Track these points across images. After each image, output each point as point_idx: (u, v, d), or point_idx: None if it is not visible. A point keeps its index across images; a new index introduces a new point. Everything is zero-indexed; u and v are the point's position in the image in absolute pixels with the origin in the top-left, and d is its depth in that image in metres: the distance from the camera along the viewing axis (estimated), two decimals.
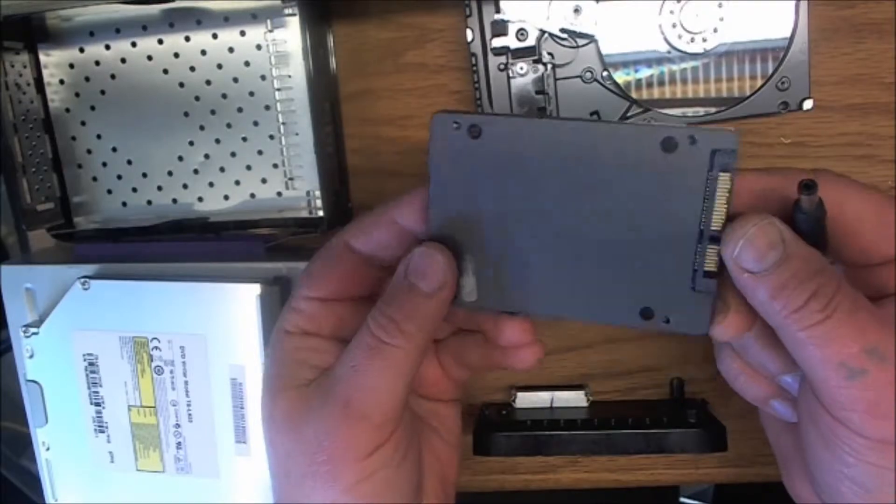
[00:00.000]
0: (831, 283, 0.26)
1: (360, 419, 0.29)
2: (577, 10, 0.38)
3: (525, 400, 0.43)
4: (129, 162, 0.43)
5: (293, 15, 0.39)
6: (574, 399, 0.43)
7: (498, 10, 0.38)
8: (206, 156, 0.42)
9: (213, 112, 0.42)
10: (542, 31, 0.38)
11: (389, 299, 0.30)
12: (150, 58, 0.41)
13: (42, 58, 0.42)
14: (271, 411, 0.31)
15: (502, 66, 0.39)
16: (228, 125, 0.42)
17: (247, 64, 0.41)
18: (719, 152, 0.26)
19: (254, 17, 0.40)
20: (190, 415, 0.39)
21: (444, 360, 0.36)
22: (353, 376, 0.29)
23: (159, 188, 0.43)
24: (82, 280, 0.39)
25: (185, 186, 0.43)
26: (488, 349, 0.34)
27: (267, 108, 0.41)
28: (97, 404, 0.41)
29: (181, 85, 0.42)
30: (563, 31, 0.38)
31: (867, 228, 0.28)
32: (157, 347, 0.39)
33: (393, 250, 0.31)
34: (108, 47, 0.42)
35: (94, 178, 0.44)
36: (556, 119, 0.35)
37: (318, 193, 0.41)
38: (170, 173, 0.43)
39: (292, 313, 0.33)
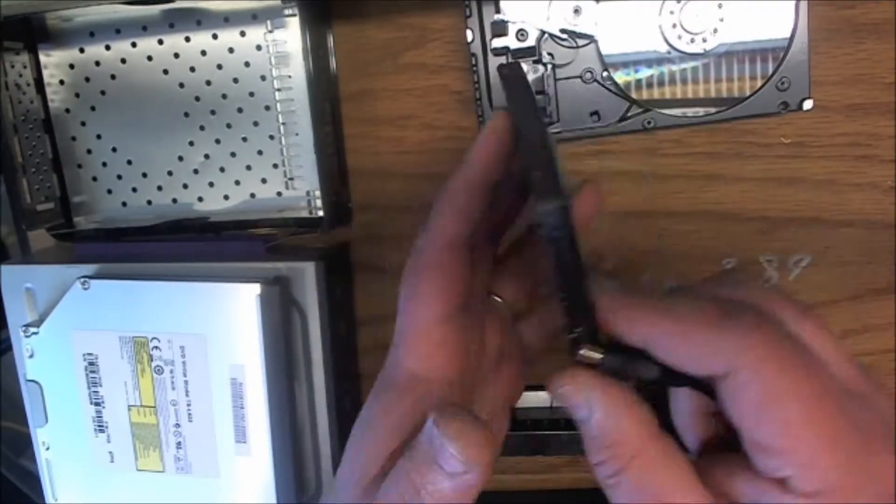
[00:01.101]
0: (631, 442, 0.24)
1: None
2: (577, 11, 0.38)
3: (525, 400, 0.43)
4: (129, 162, 0.43)
5: (293, 15, 0.39)
6: None
7: (498, 11, 0.38)
8: (207, 156, 0.42)
9: (213, 112, 0.42)
10: (542, 32, 0.38)
11: (416, 466, 0.25)
12: (150, 58, 0.41)
13: (42, 58, 0.42)
14: (350, 488, 0.27)
15: None
16: (228, 125, 0.42)
17: (247, 64, 0.41)
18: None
19: (254, 17, 0.40)
20: (190, 415, 0.39)
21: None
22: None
23: (159, 188, 0.43)
24: (82, 280, 0.39)
25: (185, 186, 0.43)
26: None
27: (267, 108, 0.41)
28: (97, 404, 0.41)
29: (181, 85, 0.42)
30: (563, 31, 0.38)
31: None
32: (157, 347, 0.39)
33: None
34: (108, 48, 0.42)
35: (94, 178, 0.44)
36: None
37: (318, 193, 0.41)
38: (170, 173, 0.43)
39: (419, 343, 0.27)
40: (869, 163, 0.39)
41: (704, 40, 0.37)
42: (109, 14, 0.41)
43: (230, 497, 0.40)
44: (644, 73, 0.38)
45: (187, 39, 0.41)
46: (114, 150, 0.43)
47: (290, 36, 0.39)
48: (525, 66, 0.39)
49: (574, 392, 0.25)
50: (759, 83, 0.38)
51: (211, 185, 0.43)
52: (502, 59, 0.39)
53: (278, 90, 0.40)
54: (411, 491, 0.25)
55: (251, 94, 0.41)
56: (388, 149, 0.42)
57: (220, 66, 0.41)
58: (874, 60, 0.38)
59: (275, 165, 0.42)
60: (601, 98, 0.39)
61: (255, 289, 0.37)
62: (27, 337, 0.40)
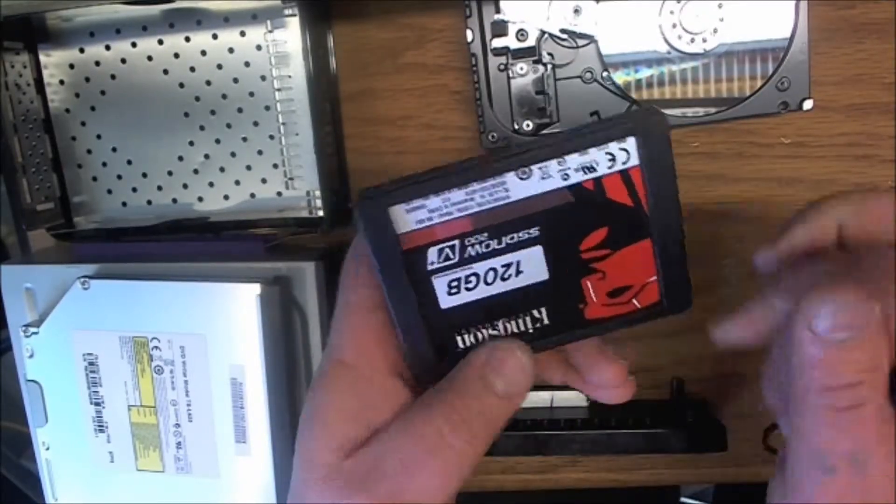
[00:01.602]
0: (878, 379, 0.24)
1: None
2: (577, 11, 0.38)
3: (525, 400, 0.43)
4: (129, 162, 0.43)
5: (293, 15, 0.39)
6: (574, 399, 0.43)
7: (498, 11, 0.38)
8: (206, 156, 0.42)
9: (213, 112, 0.42)
10: (542, 32, 0.38)
11: (459, 393, 0.26)
12: (150, 58, 0.41)
13: (42, 58, 0.42)
14: (306, 473, 0.27)
15: (502, 67, 0.39)
16: (228, 125, 0.42)
17: (247, 64, 0.41)
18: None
19: (254, 17, 0.40)
20: (190, 415, 0.39)
21: None
22: (403, 474, 0.25)
23: (159, 188, 0.43)
24: (82, 280, 0.39)
25: (185, 186, 0.43)
26: (570, 373, 0.31)
27: (267, 108, 0.41)
28: (97, 404, 0.41)
29: (181, 85, 0.42)
30: (563, 31, 0.38)
31: None
32: (157, 347, 0.39)
33: None
34: (108, 48, 0.42)
35: (94, 178, 0.44)
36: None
37: (318, 193, 0.41)
38: (170, 173, 0.43)
39: (353, 333, 0.27)
40: (869, 163, 0.39)
41: (704, 40, 0.37)
42: (109, 14, 0.41)
43: (230, 497, 0.40)
44: (644, 73, 0.38)
45: (187, 39, 0.41)
46: (114, 150, 0.43)
47: (290, 36, 0.39)
48: (525, 66, 0.39)
49: (865, 307, 0.24)
50: (759, 83, 0.38)
51: (211, 185, 0.43)
52: (502, 59, 0.39)
53: (278, 90, 0.40)
54: (456, 418, 0.25)
55: (251, 94, 0.41)
56: (388, 149, 0.42)
57: (220, 66, 0.41)
58: (874, 60, 0.38)
59: (275, 165, 0.42)
60: (601, 98, 0.39)
61: (255, 289, 0.37)
62: (27, 337, 0.40)
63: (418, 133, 0.42)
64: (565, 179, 0.25)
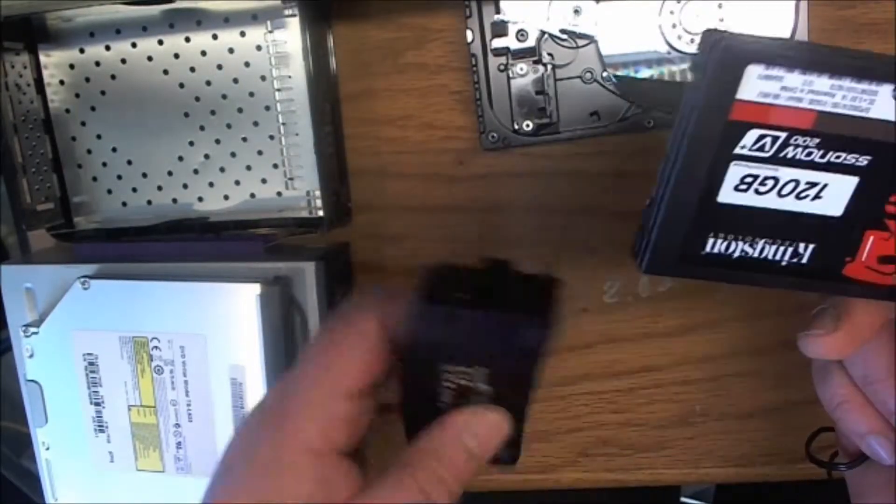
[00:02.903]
0: None
1: None
2: (577, 11, 0.38)
3: None
4: (129, 162, 0.43)
5: (293, 15, 0.39)
6: None
7: (498, 11, 0.38)
8: (207, 156, 0.42)
9: (213, 112, 0.42)
10: (542, 32, 0.38)
11: (441, 458, 0.26)
12: (150, 58, 0.41)
13: (42, 58, 0.42)
14: None
15: (502, 67, 0.39)
16: (228, 125, 0.42)
17: (247, 65, 0.41)
18: None
19: (254, 17, 0.40)
20: (190, 414, 0.39)
21: None
22: None
23: (159, 188, 0.43)
24: (82, 280, 0.39)
25: (185, 186, 0.43)
26: None
27: (267, 108, 0.41)
28: (97, 404, 0.41)
29: (181, 85, 0.42)
30: (563, 31, 0.38)
31: None
32: (157, 347, 0.39)
33: None
34: (108, 48, 0.42)
35: (94, 178, 0.44)
36: None
37: (318, 193, 0.41)
38: (170, 173, 0.43)
39: (324, 417, 0.25)
40: None
41: None
42: (109, 14, 0.41)
43: None
44: (644, 73, 0.38)
45: (187, 40, 0.41)
46: (114, 150, 0.43)
47: (290, 36, 0.39)
48: (525, 66, 0.39)
49: None
50: None
51: (211, 185, 0.43)
52: (502, 59, 0.39)
53: (278, 90, 0.40)
54: (435, 482, 0.26)
55: (251, 95, 0.41)
56: (388, 149, 0.42)
57: (220, 67, 0.41)
58: None
59: (275, 165, 0.42)
60: (601, 98, 0.39)
61: (255, 289, 0.37)
62: (27, 337, 0.40)
63: (418, 133, 0.42)
64: None
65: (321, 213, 0.41)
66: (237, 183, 0.42)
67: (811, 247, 0.24)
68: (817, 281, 0.24)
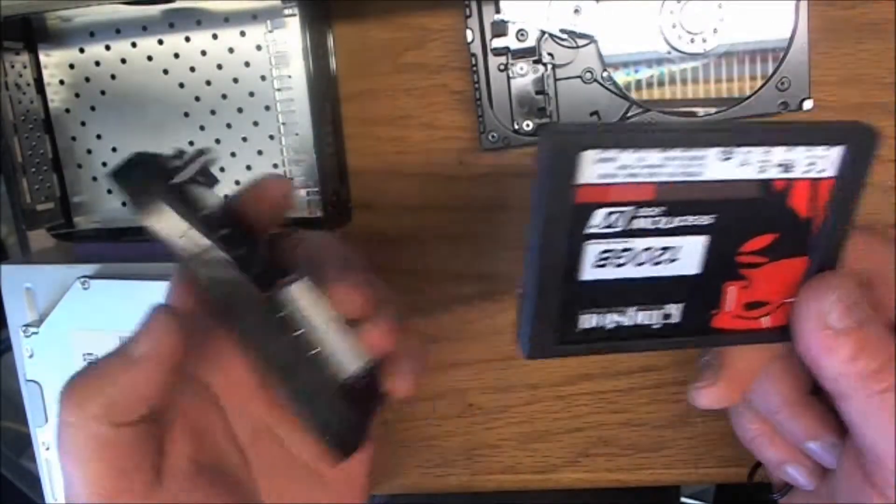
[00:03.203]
0: None
1: None
2: (577, 11, 0.38)
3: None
4: None
5: (293, 15, 0.39)
6: None
7: (498, 11, 0.38)
8: None
9: (213, 112, 0.42)
10: (542, 32, 0.38)
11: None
12: (150, 58, 0.41)
13: (42, 58, 0.42)
14: None
15: (502, 67, 0.39)
16: (228, 125, 0.42)
17: (247, 64, 0.41)
18: None
19: (254, 17, 0.40)
20: None
21: None
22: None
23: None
24: (82, 280, 0.39)
25: None
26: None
27: (267, 108, 0.41)
28: None
29: (181, 85, 0.42)
30: (563, 31, 0.38)
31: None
32: None
33: None
34: (108, 48, 0.42)
35: (94, 178, 0.44)
36: None
37: (318, 193, 0.41)
38: None
39: None
40: None
41: (704, 40, 0.37)
42: (109, 14, 0.41)
43: None
44: (644, 73, 0.38)
45: (187, 39, 0.41)
46: (114, 150, 0.43)
47: (290, 36, 0.39)
48: (525, 66, 0.39)
49: (853, 285, 0.25)
50: (759, 83, 0.38)
51: None
52: (502, 59, 0.39)
53: (278, 90, 0.40)
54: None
55: (251, 94, 0.41)
56: (388, 149, 0.42)
57: (220, 66, 0.41)
58: (874, 60, 0.38)
59: (275, 165, 0.42)
60: (601, 98, 0.39)
61: None
62: (27, 337, 0.40)
63: (418, 133, 0.42)
64: (761, 172, 0.23)
65: (321, 213, 0.41)
66: (237, 183, 0.42)
67: (679, 306, 0.25)
68: (692, 337, 0.25)
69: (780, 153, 0.23)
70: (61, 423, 0.25)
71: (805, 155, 0.23)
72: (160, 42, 0.41)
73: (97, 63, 0.42)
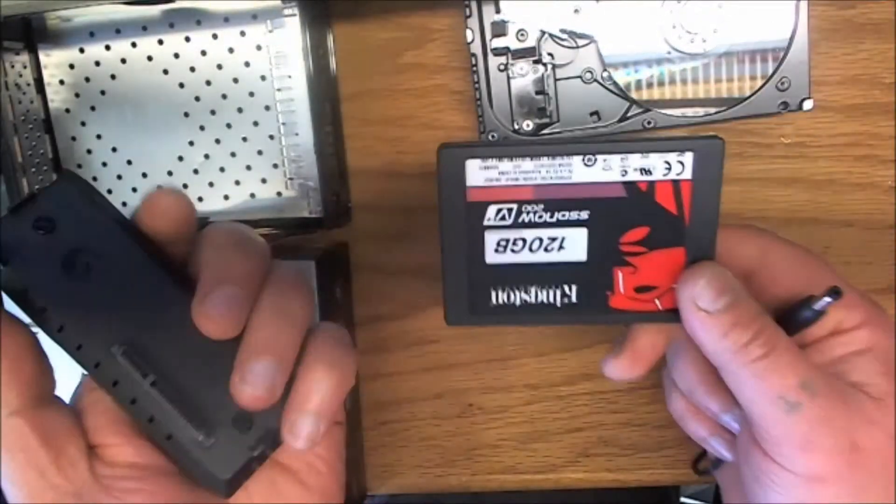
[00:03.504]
0: (769, 325, 0.28)
1: None
2: (577, 11, 0.38)
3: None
4: (129, 162, 0.43)
5: (293, 15, 0.39)
6: None
7: (498, 11, 0.38)
8: (206, 156, 0.42)
9: (213, 112, 0.42)
10: (542, 32, 0.38)
11: None
12: (150, 58, 0.41)
13: (42, 58, 0.42)
14: None
15: (502, 67, 0.39)
16: (228, 125, 0.42)
17: (247, 64, 0.41)
18: None
19: (254, 17, 0.40)
20: None
21: None
22: None
23: (159, 188, 0.43)
24: None
25: (185, 186, 0.43)
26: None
27: (267, 108, 0.41)
28: None
29: (181, 85, 0.42)
30: (563, 31, 0.38)
31: (785, 272, 0.31)
32: None
33: None
34: (108, 48, 0.42)
35: (95, 178, 0.44)
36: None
37: (318, 193, 0.41)
38: (170, 173, 0.43)
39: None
40: (869, 163, 0.39)
41: (704, 40, 0.37)
42: (109, 14, 0.41)
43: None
44: (644, 73, 0.38)
45: (187, 39, 0.41)
46: (114, 150, 0.43)
47: (290, 36, 0.39)
48: (525, 66, 0.39)
49: (724, 273, 0.29)
50: (759, 83, 0.38)
51: (211, 185, 0.43)
52: (502, 59, 0.39)
53: (278, 90, 0.40)
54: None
55: (251, 94, 0.41)
56: (388, 149, 0.42)
57: (220, 66, 0.41)
58: (874, 60, 0.38)
59: (275, 165, 0.42)
60: (601, 98, 0.39)
61: None
62: None
63: (418, 133, 0.42)
64: (623, 175, 0.28)
65: (321, 213, 0.41)
66: (237, 183, 0.42)
67: (574, 287, 0.29)
68: (591, 315, 0.30)
69: (636, 159, 0.28)
70: None
71: (660, 160, 0.28)
72: (160, 42, 0.41)
73: (97, 63, 0.42)
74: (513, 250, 0.29)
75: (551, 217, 0.28)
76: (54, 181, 0.27)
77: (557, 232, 0.29)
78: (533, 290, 0.29)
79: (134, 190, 0.43)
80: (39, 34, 0.42)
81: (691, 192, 0.28)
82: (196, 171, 0.43)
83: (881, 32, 0.38)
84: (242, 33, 0.40)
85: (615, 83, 0.38)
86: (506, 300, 0.29)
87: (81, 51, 0.42)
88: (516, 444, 0.45)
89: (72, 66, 0.42)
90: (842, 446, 0.28)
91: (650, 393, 0.43)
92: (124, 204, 0.44)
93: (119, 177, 0.43)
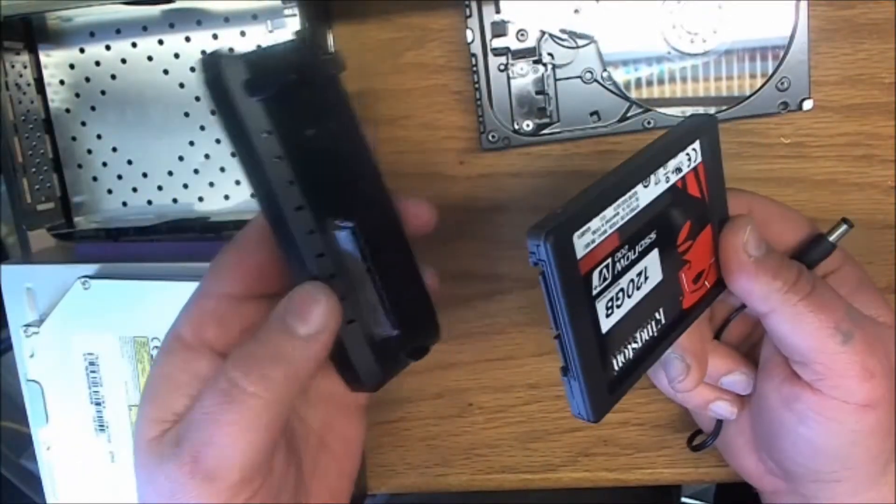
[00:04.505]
0: (800, 264, 0.30)
1: (208, 480, 0.24)
2: (577, 11, 0.38)
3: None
4: (130, 162, 0.43)
5: (293, 15, 0.39)
6: None
7: (498, 11, 0.38)
8: (207, 156, 0.42)
9: (213, 112, 0.42)
10: (542, 32, 0.38)
11: (258, 338, 0.26)
12: (150, 58, 0.41)
13: (42, 58, 0.42)
14: (136, 450, 0.27)
15: (502, 67, 0.39)
16: None
17: None
18: None
19: (254, 17, 0.40)
20: None
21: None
22: (204, 426, 0.25)
23: (159, 188, 0.43)
24: (82, 280, 0.39)
25: (185, 186, 0.43)
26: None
27: None
28: (97, 404, 0.41)
29: (181, 85, 0.42)
30: (563, 31, 0.38)
31: (772, 224, 0.32)
32: (157, 347, 0.39)
33: None
34: (108, 48, 0.42)
35: (95, 178, 0.44)
36: None
37: None
38: (170, 173, 0.43)
39: (195, 313, 0.27)
40: (869, 163, 0.39)
41: (704, 40, 0.37)
42: (109, 14, 0.41)
43: None
44: (644, 71, 0.38)
45: (187, 39, 0.41)
46: (114, 150, 0.43)
47: (290, 36, 0.39)
48: (525, 66, 0.39)
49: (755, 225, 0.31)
50: (759, 83, 0.38)
51: (211, 184, 0.43)
52: (502, 59, 0.39)
53: None
54: (250, 364, 0.25)
55: None
56: (388, 149, 0.42)
57: None
58: (874, 60, 0.38)
59: None
60: (601, 98, 0.39)
61: None
62: (27, 337, 0.40)
63: (418, 133, 0.42)
64: (667, 182, 0.28)
65: None
66: (237, 183, 0.42)
67: (661, 310, 0.29)
68: (679, 327, 0.30)
69: (672, 163, 0.28)
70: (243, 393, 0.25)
71: (684, 155, 0.29)
72: (160, 42, 0.41)
73: (97, 63, 0.42)
74: (617, 307, 0.27)
75: (634, 253, 0.27)
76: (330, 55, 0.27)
77: (640, 265, 0.27)
78: (637, 334, 0.28)
79: (134, 190, 0.43)
80: (40, 34, 0.42)
81: (705, 172, 0.29)
82: (196, 171, 0.43)
83: (881, 32, 0.38)
84: (242, 33, 0.40)
85: (615, 83, 0.38)
86: (624, 360, 0.28)
87: (82, 51, 0.42)
88: (516, 443, 0.45)
89: (72, 66, 0.42)
90: (888, 370, 0.29)
91: (650, 393, 0.43)
92: (124, 204, 0.44)
93: (119, 177, 0.43)
